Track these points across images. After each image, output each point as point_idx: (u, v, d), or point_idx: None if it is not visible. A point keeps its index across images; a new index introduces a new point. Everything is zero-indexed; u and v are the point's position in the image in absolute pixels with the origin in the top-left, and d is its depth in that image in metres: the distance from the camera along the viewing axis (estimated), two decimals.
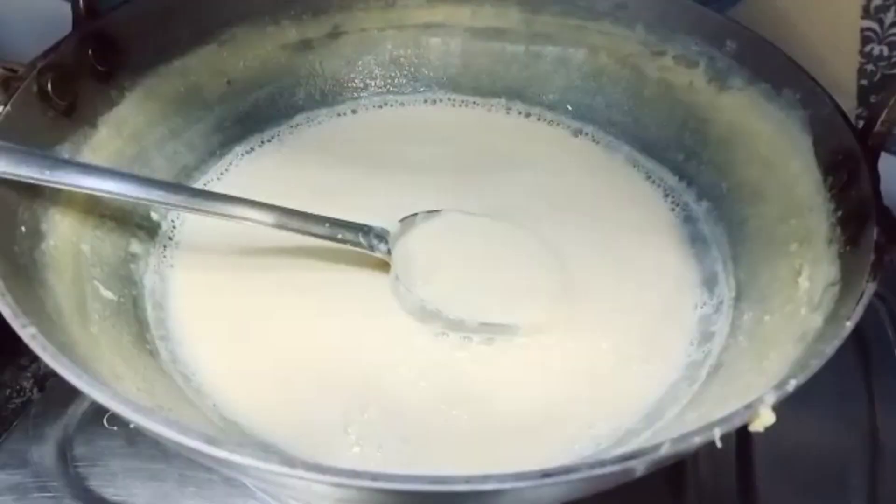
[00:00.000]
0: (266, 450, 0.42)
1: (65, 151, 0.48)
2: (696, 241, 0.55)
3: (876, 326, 0.60)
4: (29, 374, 0.56)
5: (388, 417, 0.45)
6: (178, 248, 0.53)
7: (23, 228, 0.43)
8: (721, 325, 0.49)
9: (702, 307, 0.51)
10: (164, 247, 0.53)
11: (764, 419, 0.33)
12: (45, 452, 0.51)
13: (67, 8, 0.50)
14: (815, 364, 0.35)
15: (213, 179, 0.58)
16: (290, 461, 0.29)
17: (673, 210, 0.57)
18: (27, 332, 0.35)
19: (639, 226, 0.56)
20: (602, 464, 0.30)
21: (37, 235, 0.44)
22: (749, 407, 0.33)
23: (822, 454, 0.53)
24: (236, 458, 0.29)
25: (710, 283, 0.52)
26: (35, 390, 0.55)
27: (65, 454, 0.51)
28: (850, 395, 0.56)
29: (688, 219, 0.57)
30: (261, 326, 0.49)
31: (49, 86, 0.47)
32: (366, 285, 0.51)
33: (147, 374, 0.44)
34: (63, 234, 0.46)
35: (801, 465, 0.53)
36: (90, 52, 0.50)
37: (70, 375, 0.33)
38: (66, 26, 0.50)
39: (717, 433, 0.32)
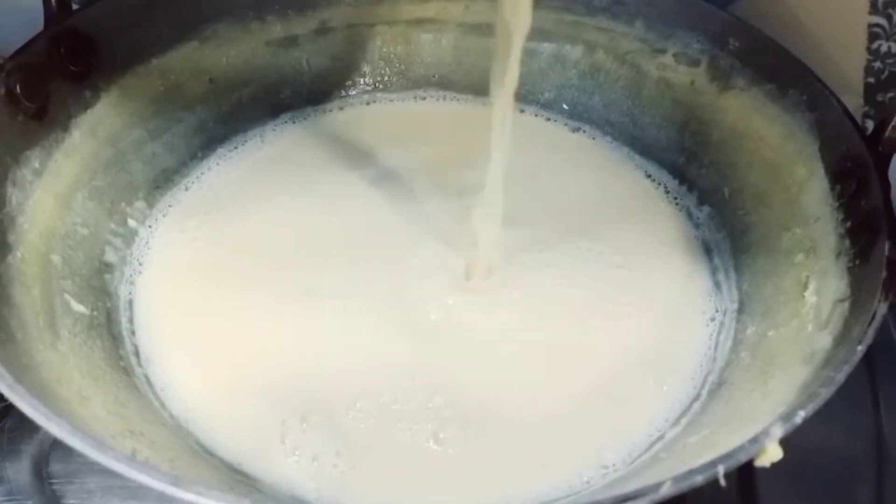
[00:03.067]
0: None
1: (34, 157, 0.46)
2: (698, 247, 0.54)
3: (882, 332, 0.58)
4: None
5: (329, 429, 0.43)
6: (153, 255, 0.51)
7: None
8: (723, 339, 0.48)
9: (712, 320, 0.50)
10: (141, 255, 0.51)
11: (771, 454, 0.31)
12: (20, 469, 0.49)
13: None
14: (825, 393, 0.33)
15: (194, 181, 0.56)
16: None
17: (678, 212, 0.56)
18: None
19: (643, 229, 0.55)
20: None
21: (2, 248, 0.42)
22: (755, 441, 0.31)
23: (827, 463, 0.52)
24: (202, 500, 0.27)
25: (712, 292, 0.51)
26: None
27: (40, 471, 0.49)
28: (856, 403, 0.54)
29: (690, 222, 0.55)
30: (223, 334, 0.48)
31: (18, 88, 0.45)
32: (332, 297, 0.49)
33: (119, 394, 0.42)
34: (32, 244, 0.44)
35: (806, 475, 0.51)
36: (62, 51, 0.48)
37: (25, 406, 0.31)
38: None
39: (720, 471, 0.30)
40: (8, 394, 0.31)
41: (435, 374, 0.46)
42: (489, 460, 0.43)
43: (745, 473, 0.50)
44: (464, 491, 0.42)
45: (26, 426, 0.51)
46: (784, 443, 0.33)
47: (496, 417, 0.44)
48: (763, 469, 0.51)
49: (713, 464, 0.31)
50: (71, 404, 0.37)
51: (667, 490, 0.29)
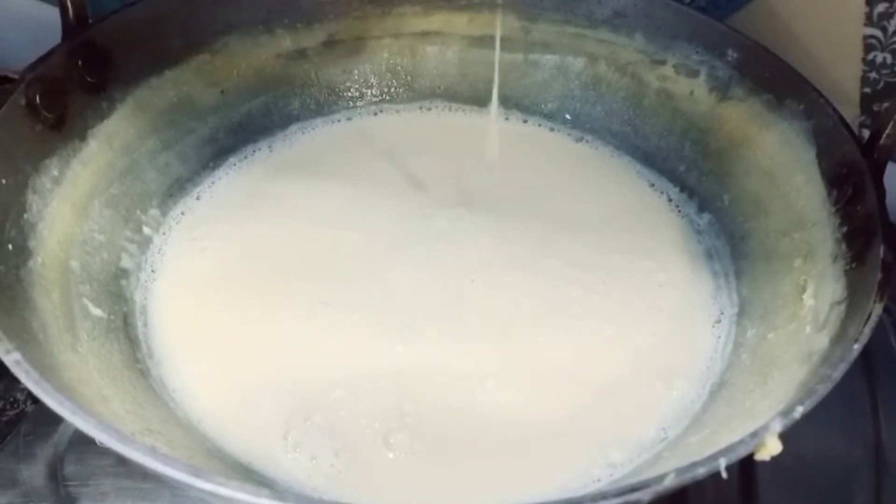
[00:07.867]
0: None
1: (53, 166, 0.47)
2: (700, 253, 0.55)
3: (880, 338, 0.59)
4: (22, 386, 0.54)
5: (328, 428, 0.44)
6: (166, 262, 0.52)
7: (9, 246, 0.42)
8: (723, 342, 0.49)
9: (717, 322, 0.50)
10: (155, 261, 0.52)
11: (770, 448, 0.32)
12: (35, 472, 0.50)
13: None
14: (823, 389, 0.34)
15: (205, 191, 0.57)
16: (280, 496, 0.28)
17: (680, 219, 0.57)
18: (11, 358, 0.34)
19: (647, 236, 0.56)
20: (604, 496, 0.29)
21: (24, 253, 0.43)
22: (755, 435, 0.32)
23: (825, 469, 0.52)
24: (223, 490, 0.28)
25: (715, 297, 0.52)
26: (29, 402, 0.53)
27: (55, 473, 0.50)
28: (855, 410, 0.55)
29: (692, 229, 0.56)
30: (231, 338, 0.49)
31: (37, 98, 0.46)
32: (337, 304, 0.50)
33: (137, 395, 0.43)
34: (51, 250, 0.45)
35: (805, 481, 0.52)
36: (80, 63, 0.49)
37: (53, 402, 0.32)
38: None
39: (722, 463, 0.31)
40: (36, 390, 0.32)
41: (431, 378, 0.47)
42: (492, 464, 0.44)
43: (746, 477, 0.51)
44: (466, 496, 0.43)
45: (41, 430, 0.52)
46: (785, 447, 0.34)
47: (500, 422, 0.45)
48: (764, 473, 0.52)
49: (715, 457, 0.31)
50: (92, 403, 0.38)
51: (670, 481, 0.30)
